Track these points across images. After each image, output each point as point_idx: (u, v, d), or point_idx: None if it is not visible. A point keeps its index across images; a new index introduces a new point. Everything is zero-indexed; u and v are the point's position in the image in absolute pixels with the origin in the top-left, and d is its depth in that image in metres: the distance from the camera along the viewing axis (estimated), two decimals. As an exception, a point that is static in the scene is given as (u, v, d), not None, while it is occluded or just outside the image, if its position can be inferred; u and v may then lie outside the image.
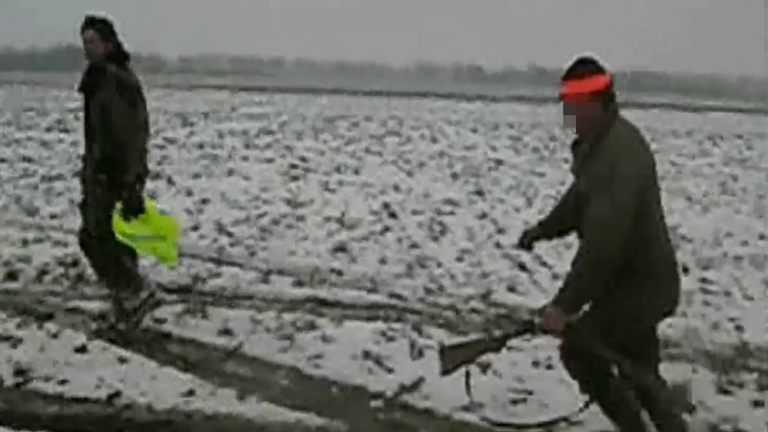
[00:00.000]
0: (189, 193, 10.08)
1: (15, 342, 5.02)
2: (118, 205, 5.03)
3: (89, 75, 5.18)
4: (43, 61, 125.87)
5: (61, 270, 6.59)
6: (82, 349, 4.92)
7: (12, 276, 6.45)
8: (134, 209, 5.02)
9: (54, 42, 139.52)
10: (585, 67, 3.38)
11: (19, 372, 4.57)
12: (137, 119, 5.08)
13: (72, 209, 8.90)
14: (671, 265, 3.47)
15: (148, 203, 5.18)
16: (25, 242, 7.46)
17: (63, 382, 4.47)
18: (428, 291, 6.32)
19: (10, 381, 4.48)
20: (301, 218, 8.80)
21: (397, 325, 5.48)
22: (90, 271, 6.15)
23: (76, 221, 7.95)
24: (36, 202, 9.27)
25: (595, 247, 3.25)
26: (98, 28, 5.15)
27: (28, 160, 13.22)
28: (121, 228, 5.06)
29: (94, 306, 5.71)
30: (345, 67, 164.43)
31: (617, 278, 3.28)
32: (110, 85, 5.02)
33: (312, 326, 5.40)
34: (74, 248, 7.16)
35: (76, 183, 10.54)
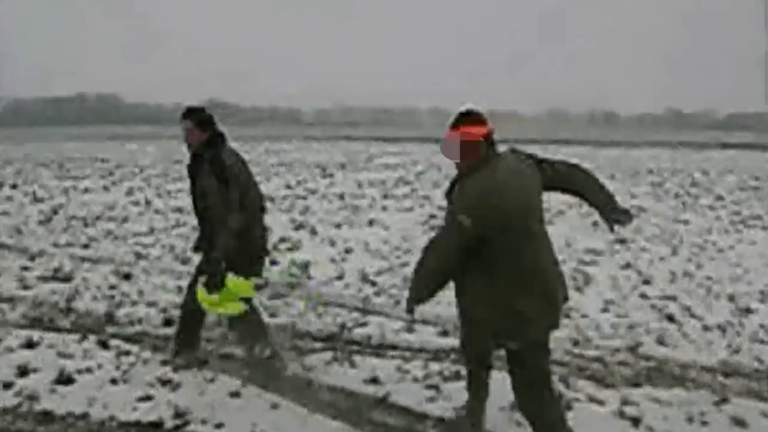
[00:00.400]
0: (332, 243, 10.29)
1: (174, 386, 5.26)
2: (201, 279, 5.30)
3: (192, 161, 5.49)
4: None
5: (214, 317, 6.85)
6: (236, 394, 5.11)
7: (168, 322, 6.75)
8: (214, 285, 5.21)
9: (199, 97, 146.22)
10: (477, 116, 4.04)
11: (179, 415, 4.79)
12: (231, 201, 5.25)
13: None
14: (538, 293, 3.84)
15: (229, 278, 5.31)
16: (179, 290, 7.76)
17: (219, 425, 4.67)
18: (574, 342, 6.23)
19: (170, 423, 4.71)
20: (442, 268, 8.79)
21: (544, 377, 5.41)
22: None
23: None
24: (188, 252, 9.61)
25: (420, 261, 4.04)
26: (195, 118, 5.49)
27: (179, 210, 13.82)
28: (202, 297, 5.26)
29: (239, 352, 5.90)
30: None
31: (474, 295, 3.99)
32: (206, 171, 5.30)
33: (458, 376, 5.40)
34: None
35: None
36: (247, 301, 5.51)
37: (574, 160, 4.27)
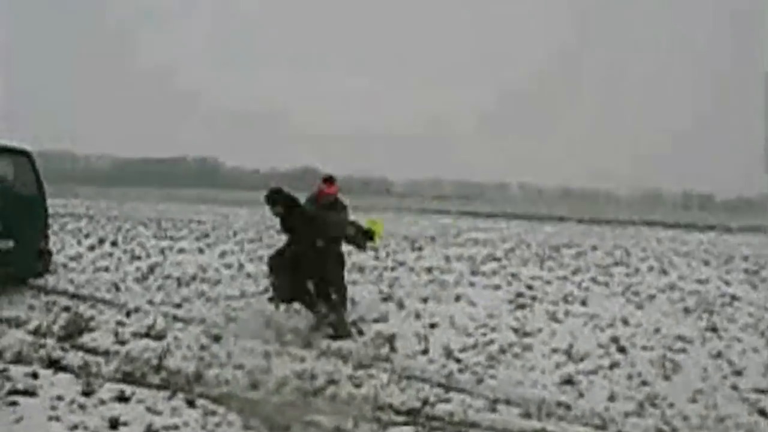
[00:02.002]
0: (418, 317, 10.29)
1: (258, 450, 5.37)
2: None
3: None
4: (282, 181, 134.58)
5: (298, 383, 6.96)
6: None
7: (254, 386, 6.88)
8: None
9: (293, 164, 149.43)
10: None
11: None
12: None
13: (307, 326, 9.40)
14: None
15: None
16: (266, 355, 7.93)
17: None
18: (660, 432, 6.10)
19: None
20: (528, 348, 8.72)
21: (627, 466, 5.32)
22: (329, 389, 6.59)
23: (315, 337, 8.47)
24: (276, 317, 9.79)
25: None
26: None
27: (271, 275, 14.03)
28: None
29: (329, 420, 5.98)
30: (569, 193, 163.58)
31: None
32: None
33: (539, 460, 5.36)
34: (311, 363, 7.61)
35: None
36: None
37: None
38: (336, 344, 8.52)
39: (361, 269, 15.39)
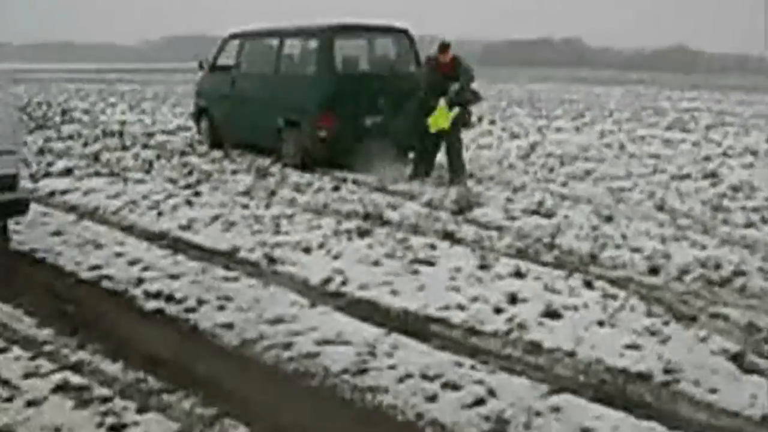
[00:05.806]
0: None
1: (663, 338, 5.03)
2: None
3: None
4: (649, 58, 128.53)
5: (702, 271, 6.48)
6: (735, 358, 4.72)
7: (654, 271, 6.53)
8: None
9: (667, 43, 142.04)
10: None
11: (668, 371, 4.54)
12: None
13: (710, 213, 8.77)
14: None
15: None
16: (663, 239, 7.50)
17: (713, 390, 4.31)
18: None
19: (659, 378, 4.47)
20: None
21: None
22: (737, 280, 6.08)
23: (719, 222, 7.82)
24: (668, 200, 9.30)
25: None
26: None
27: (655, 157, 13.41)
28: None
29: (740, 314, 5.48)
30: None
31: None
32: None
33: None
34: (714, 251, 7.07)
35: (705, 184, 10.42)
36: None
37: None
38: (738, 232, 7.84)
39: (754, 152, 14.19)
